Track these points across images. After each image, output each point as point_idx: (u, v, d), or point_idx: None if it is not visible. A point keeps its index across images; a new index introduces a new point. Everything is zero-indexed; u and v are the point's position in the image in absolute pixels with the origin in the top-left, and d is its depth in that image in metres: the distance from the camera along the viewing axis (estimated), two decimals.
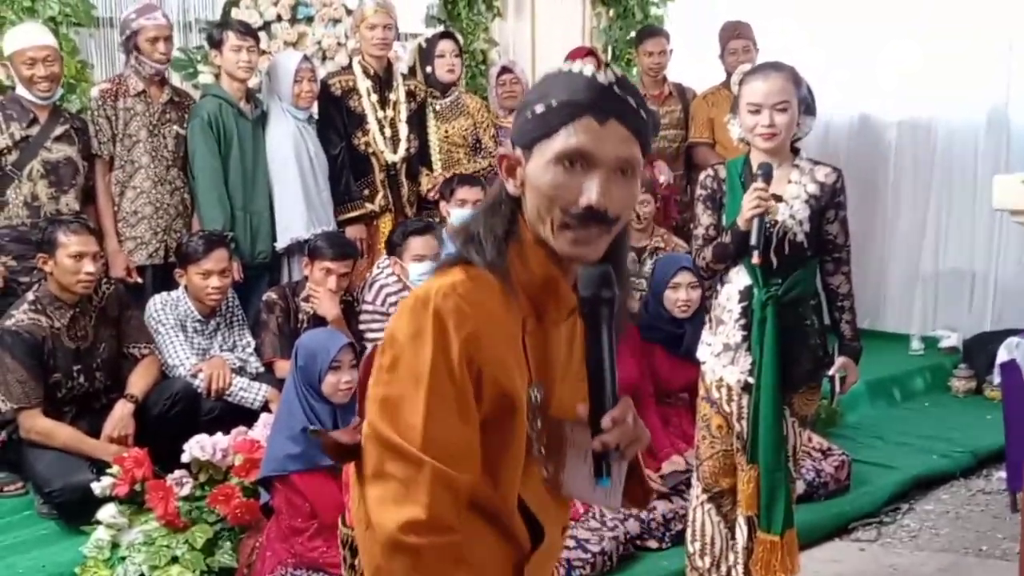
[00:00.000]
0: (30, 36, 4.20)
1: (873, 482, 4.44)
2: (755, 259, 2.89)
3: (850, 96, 6.59)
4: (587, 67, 1.44)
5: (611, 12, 7.20)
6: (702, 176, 3.15)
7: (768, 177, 2.89)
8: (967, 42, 6.10)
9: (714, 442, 3.16)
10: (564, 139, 1.39)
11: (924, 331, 6.47)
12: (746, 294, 3.02)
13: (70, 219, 3.85)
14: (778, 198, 2.95)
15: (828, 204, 2.99)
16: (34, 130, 4.17)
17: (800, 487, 4.12)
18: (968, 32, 6.09)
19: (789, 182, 2.99)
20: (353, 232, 4.73)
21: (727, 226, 3.00)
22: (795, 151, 3.04)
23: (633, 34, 6.76)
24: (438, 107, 5.16)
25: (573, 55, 5.67)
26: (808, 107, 3.01)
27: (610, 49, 7.19)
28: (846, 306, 3.12)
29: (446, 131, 5.13)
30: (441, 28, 5.94)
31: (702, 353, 3.17)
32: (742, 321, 3.03)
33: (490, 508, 1.47)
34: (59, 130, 4.22)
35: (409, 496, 1.36)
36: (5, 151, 4.11)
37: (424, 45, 5.25)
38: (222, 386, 3.98)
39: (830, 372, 3.15)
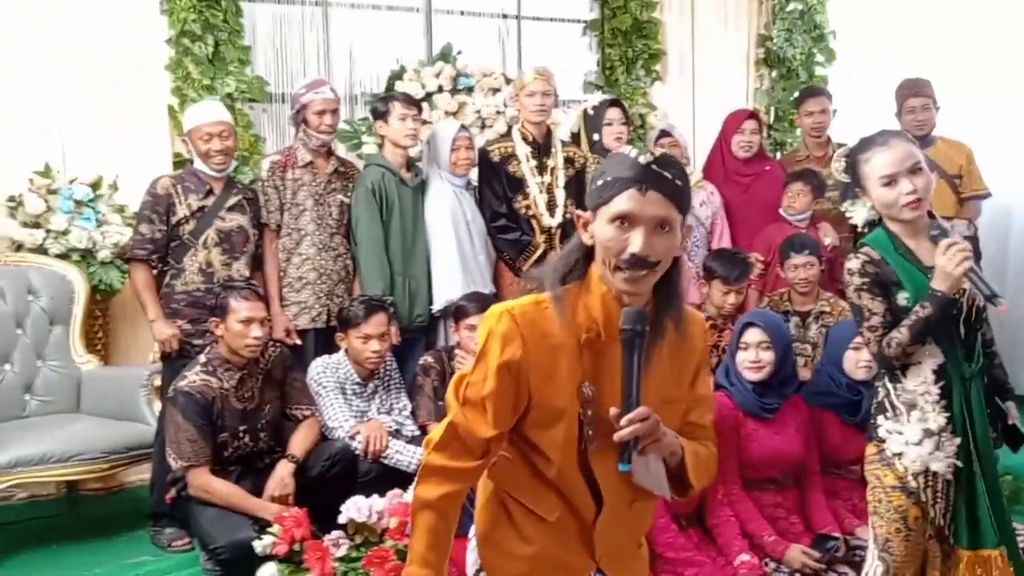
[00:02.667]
0: (208, 113, 4.40)
1: None
2: (1002, 307, 2.67)
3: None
4: (633, 150, 1.90)
5: (774, 73, 7.09)
6: (855, 265, 2.84)
7: (946, 233, 2.71)
8: None
9: (910, 535, 2.85)
10: (616, 205, 1.85)
11: None
12: (941, 373, 2.78)
13: (242, 285, 4.00)
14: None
15: (975, 257, 2.82)
16: (209, 201, 4.35)
17: None
18: None
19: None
20: None
21: (917, 300, 2.73)
22: (931, 215, 2.80)
23: (796, 95, 6.63)
24: None
25: (735, 116, 5.63)
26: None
27: (772, 110, 7.06)
28: (996, 351, 2.94)
29: None
30: (600, 94, 5.97)
31: (894, 446, 2.86)
32: (943, 403, 2.78)
33: (551, 480, 1.99)
34: (232, 200, 4.40)
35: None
36: (183, 221, 4.31)
37: (591, 112, 5.26)
38: (379, 448, 4.03)
39: (1010, 421, 2.92)
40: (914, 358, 2.82)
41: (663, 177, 1.85)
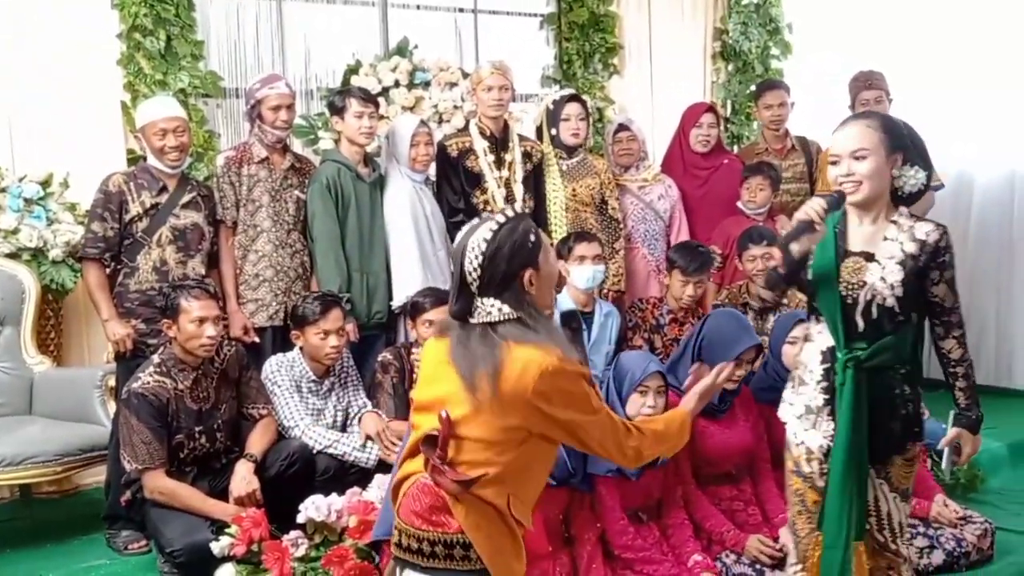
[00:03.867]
0: (161, 108, 4.34)
1: (1019, 551, 4.14)
2: (774, 258, 2.80)
3: (985, 149, 6.34)
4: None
5: (730, 67, 7.13)
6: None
7: (834, 204, 2.73)
8: None
9: (811, 517, 2.94)
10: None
11: None
12: (829, 355, 2.85)
13: (192, 284, 3.93)
14: (869, 256, 2.77)
15: (930, 264, 2.76)
16: (163, 198, 4.29)
17: (939, 557, 3.90)
18: None
19: (884, 239, 2.78)
20: None
21: (815, 272, 2.83)
22: (897, 203, 2.83)
23: (753, 88, 6.67)
24: (565, 167, 5.15)
25: (693, 110, 5.65)
26: (909, 158, 2.80)
27: (729, 103, 7.11)
28: (959, 372, 2.87)
29: (574, 190, 5.11)
30: (558, 88, 5.98)
31: (783, 413, 3.00)
32: (824, 384, 2.85)
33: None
34: (187, 197, 4.35)
35: None
36: (136, 219, 4.24)
37: (551, 107, 5.27)
38: (390, 443, 4.02)
39: (940, 445, 2.94)
40: (811, 335, 2.92)
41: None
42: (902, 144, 2.78)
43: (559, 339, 2.28)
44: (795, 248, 2.75)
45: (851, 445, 2.79)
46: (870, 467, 2.85)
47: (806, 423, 2.91)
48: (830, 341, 2.85)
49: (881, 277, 2.75)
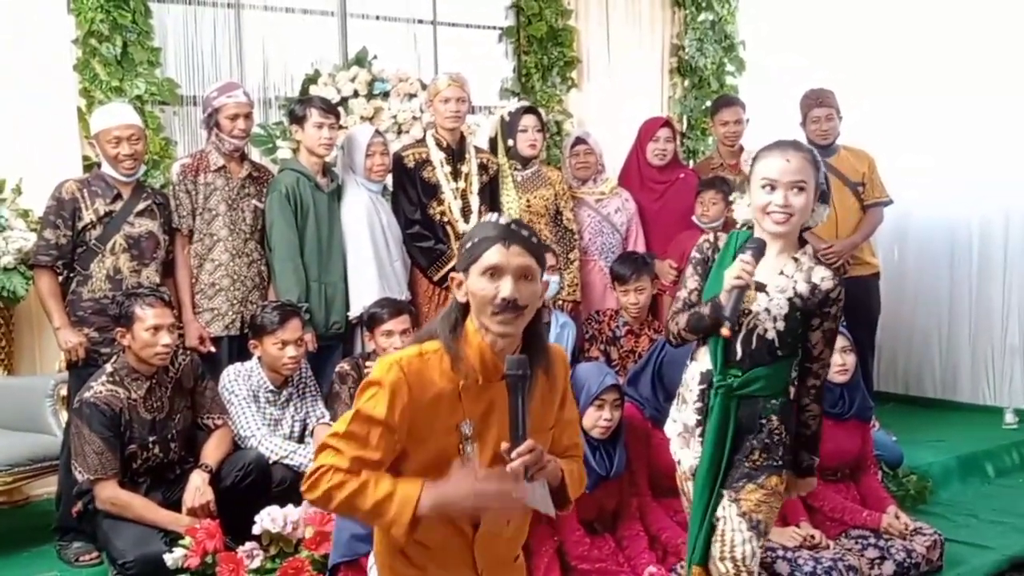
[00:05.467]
0: (116, 115, 4.30)
1: (968, 563, 4.22)
2: (725, 331, 2.67)
3: (931, 165, 6.47)
4: (493, 216, 2.21)
5: (686, 82, 7.21)
6: (700, 240, 2.94)
7: (759, 253, 2.67)
8: None
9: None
10: (486, 259, 2.12)
11: (1017, 404, 6.22)
12: (706, 377, 2.84)
13: (146, 292, 3.89)
14: (760, 286, 2.74)
15: (816, 311, 2.75)
16: (117, 205, 4.25)
17: (889, 568, 3.97)
18: None
19: (780, 273, 2.76)
20: None
21: (706, 298, 2.79)
22: (803, 242, 2.82)
23: (708, 103, 6.75)
24: (520, 178, 5.19)
25: (649, 124, 5.71)
26: (823, 195, 2.79)
27: (685, 119, 7.19)
28: (804, 420, 2.86)
29: (528, 201, 5.14)
30: (516, 100, 6.01)
31: (668, 429, 3.00)
32: (698, 404, 2.86)
33: None
34: (141, 205, 4.31)
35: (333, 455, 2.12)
36: (89, 226, 4.20)
37: (507, 118, 5.30)
38: None
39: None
40: (696, 355, 2.92)
41: (522, 235, 2.15)
42: (820, 181, 2.76)
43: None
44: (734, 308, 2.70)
45: (710, 466, 2.80)
46: (723, 491, 2.83)
47: (680, 441, 2.93)
48: (707, 365, 2.84)
49: (767, 308, 2.74)
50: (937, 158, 6.42)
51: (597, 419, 3.59)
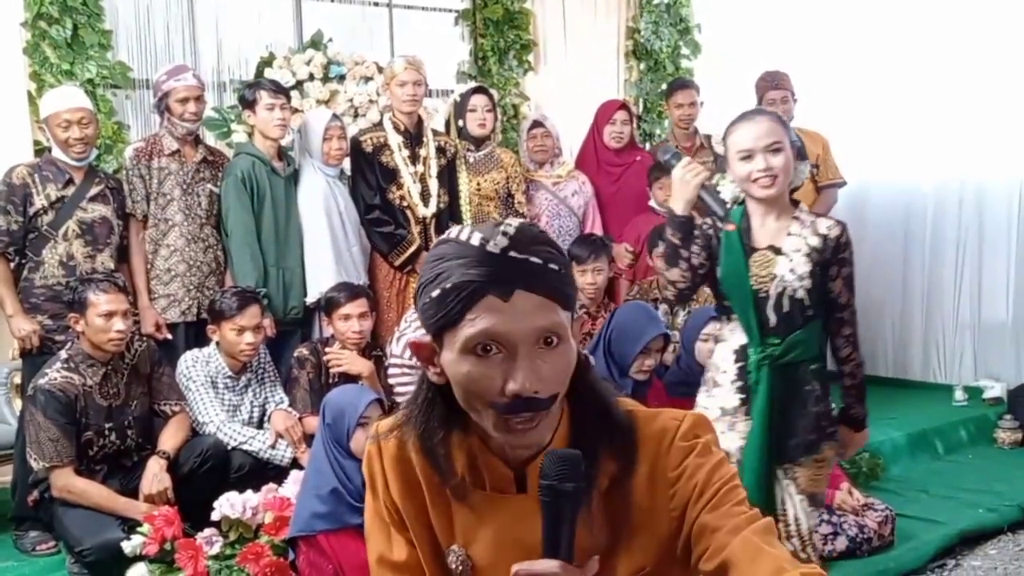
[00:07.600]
0: (65, 99, 4.24)
1: (918, 537, 4.32)
2: (730, 226, 2.72)
3: (884, 148, 6.56)
4: (475, 235, 1.25)
5: (642, 65, 7.23)
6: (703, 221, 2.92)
7: (678, 156, 2.78)
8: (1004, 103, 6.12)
9: None
10: (469, 326, 1.22)
11: (967, 381, 6.35)
12: (742, 354, 2.86)
13: (100, 278, 3.86)
14: (777, 250, 2.80)
15: (831, 259, 2.80)
16: (70, 191, 4.20)
17: (842, 543, 4.04)
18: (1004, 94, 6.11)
19: (788, 234, 2.80)
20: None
21: (725, 278, 2.84)
22: (795, 203, 2.88)
23: (664, 86, 6.78)
24: (471, 160, 5.19)
25: (606, 107, 5.73)
26: (800, 151, 2.85)
27: (641, 102, 7.21)
28: (846, 370, 2.91)
29: (478, 184, 5.15)
30: (473, 84, 5.99)
31: None
32: (739, 383, 2.86)
33: None
34: (94, 190, 4.26)
35: None
36: (41, 212, 4.15)
37: (458, 100, 5.29)
38: (299, 437, 4.04)
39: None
40: (722, 335, 2.93)
41: (529, 265, 1.23)
42: (793, 139, 2.82)
43: None
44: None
45: (765, 444, 2.80)
46: (777, 468, 2.86)
47: (722, 425, 2.87)
48: (742, 339, 2.86)
49: (790, 269, 2.79)
50: (892, 137, 6.50)
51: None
